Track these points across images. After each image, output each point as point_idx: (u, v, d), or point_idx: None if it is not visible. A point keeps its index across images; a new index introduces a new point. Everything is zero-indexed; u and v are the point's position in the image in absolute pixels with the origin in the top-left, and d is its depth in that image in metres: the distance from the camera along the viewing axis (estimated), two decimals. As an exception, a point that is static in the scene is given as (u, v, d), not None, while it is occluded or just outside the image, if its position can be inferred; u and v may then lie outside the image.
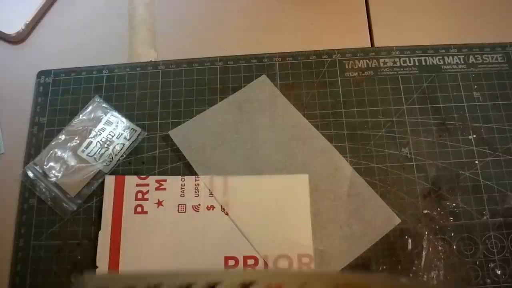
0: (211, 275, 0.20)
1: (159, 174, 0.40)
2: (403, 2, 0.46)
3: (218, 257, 0.37)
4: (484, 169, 0.39)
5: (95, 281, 0.20)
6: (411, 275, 0.36)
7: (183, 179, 0.39)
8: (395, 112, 0.41)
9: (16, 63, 0.46)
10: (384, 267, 0.36)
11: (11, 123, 0.43)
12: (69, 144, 0.41)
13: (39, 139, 0.42)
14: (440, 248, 0.37)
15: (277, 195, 0.38)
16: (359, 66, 0.43)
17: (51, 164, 0.40)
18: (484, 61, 0.43)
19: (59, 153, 0.41)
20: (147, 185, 0.39)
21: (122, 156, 0.41)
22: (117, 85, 0.44)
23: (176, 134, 0.41)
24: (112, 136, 0.41)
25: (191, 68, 0.44)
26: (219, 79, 0.43)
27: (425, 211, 0.38)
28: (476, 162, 0.39)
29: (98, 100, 0.43)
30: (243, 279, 0.20)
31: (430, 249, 0.37)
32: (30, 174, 0.40)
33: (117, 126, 0.41)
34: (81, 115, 0.42)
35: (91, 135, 0.41)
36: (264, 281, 0.20)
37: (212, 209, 0.38)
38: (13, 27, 0.46)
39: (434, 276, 0.36)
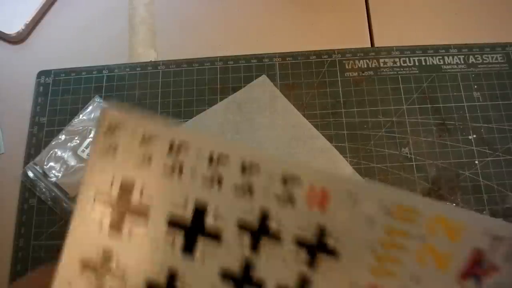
0: (247, 152, 0.17)
1: (159, 174, 0.40)
2: (403, 2, 0.46)
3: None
4: (484, 169, 0.39)
5: (114, 112, 0.17)
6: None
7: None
8: (395, 112, 0.41)
9: (16, 63, 0.46)
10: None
11: (11, 123, 0.43)
12: (69, 144, 0.41)
13: (39, 139, 0.42)
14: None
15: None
16: (359, 66, 0.43)
17: (51, 164, 0.40)
18: (484, 61, 0.43)
19: (59, 153, 0.41)
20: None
21: (122, 156, 0.41)
22: (117, 85, 0.44)
23: (176, 134, 0.41)
24: (112, 136, 0.41)
25: (191, 68, 0.44)
26: (219, 79, 0.43)
27: (425, 211, 0.38)
28: (476, 162, 0.39)
29: (98, 100, 0.43)
30: (285, 170, 0.17)
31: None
32: (30, 174, 0.40)
33: (117, 126, 0.41)
34: (81, 115, 0.42)
35: (91, 135, 0.41)
36: (309, 180, 0.17)
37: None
38: (13, 27, 0.46)
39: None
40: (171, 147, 0.17)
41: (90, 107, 0.42)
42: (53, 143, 0.41)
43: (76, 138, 0.41)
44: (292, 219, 0.17)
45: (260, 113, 0.41)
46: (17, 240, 0.39)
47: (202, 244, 0.17)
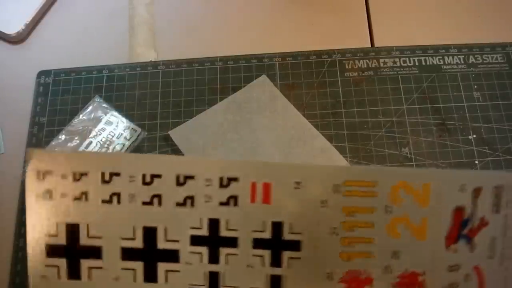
0: (182, 163, 0.16)
1: (159, 174, 0.40)
2: (403, 2, 0.46)
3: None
4: (484, 169, 0.39)
5: (40, 158, 0.16)
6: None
7: (183, 179, 0.39)
8: (395, 112, 0.41)
9: (16, 63, 0.46)
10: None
11: (11, 123, 0.43)
12: (69, 144, 0.41)
13: (39, 139, 0.42)
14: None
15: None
16: (359, 66, 0.43)
17: (51, 164, 0.40)
18: (484, 61, 0.43)
19: (59, 153, 0.41)
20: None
21: (122, 156, 0.41)
22: (117, 85, 0.44)
23: (176, 134, 0.41)
24: (112, 136, 0.41)
25: (191, 68, 0.44)
26: (219, 79, 0.43)
27: (425, 211, 0.38)
28: (476, 162, 0.39)
29: (98, 100, 0.43)
30: (222, 174, 0.16)
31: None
32: (30, 174, 0.40)
33: (117, 126, 0.41)
34: (81, 115, 0.42)
35: (91, 135, 0.41)
36: (249, 178, 0.16)
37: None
38: (13, 27, 0.46)
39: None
40: (103, 178, 0.16)
41: (90, 107, 0.42)
42: (53, 143, 0.41)
43: (76, 138, 0.41)
44: (243, 222, 0.16)
45: (260, 113, 0.41)
46: (17, 240, 0.39)
47: (163, 270, 0.17)
